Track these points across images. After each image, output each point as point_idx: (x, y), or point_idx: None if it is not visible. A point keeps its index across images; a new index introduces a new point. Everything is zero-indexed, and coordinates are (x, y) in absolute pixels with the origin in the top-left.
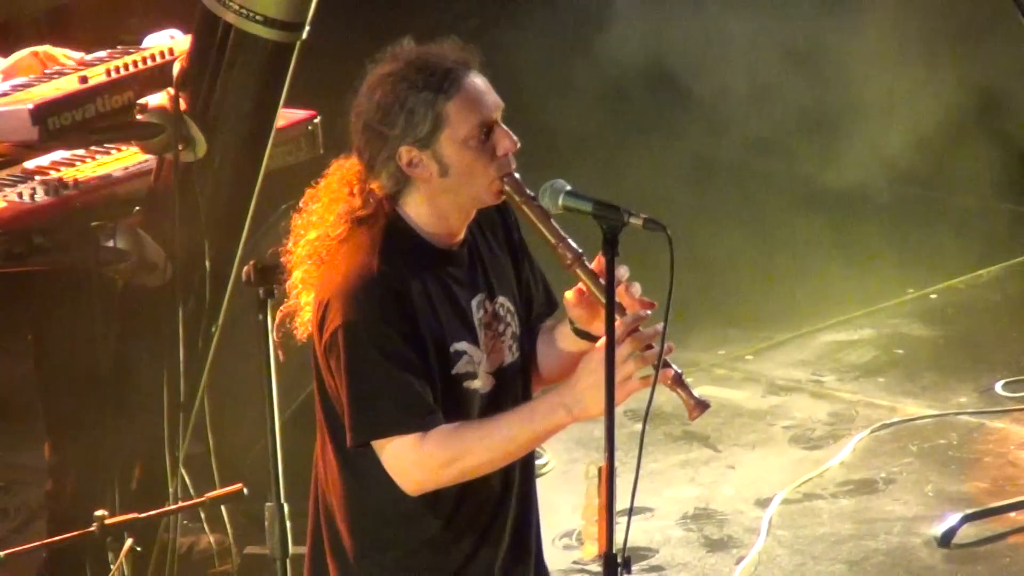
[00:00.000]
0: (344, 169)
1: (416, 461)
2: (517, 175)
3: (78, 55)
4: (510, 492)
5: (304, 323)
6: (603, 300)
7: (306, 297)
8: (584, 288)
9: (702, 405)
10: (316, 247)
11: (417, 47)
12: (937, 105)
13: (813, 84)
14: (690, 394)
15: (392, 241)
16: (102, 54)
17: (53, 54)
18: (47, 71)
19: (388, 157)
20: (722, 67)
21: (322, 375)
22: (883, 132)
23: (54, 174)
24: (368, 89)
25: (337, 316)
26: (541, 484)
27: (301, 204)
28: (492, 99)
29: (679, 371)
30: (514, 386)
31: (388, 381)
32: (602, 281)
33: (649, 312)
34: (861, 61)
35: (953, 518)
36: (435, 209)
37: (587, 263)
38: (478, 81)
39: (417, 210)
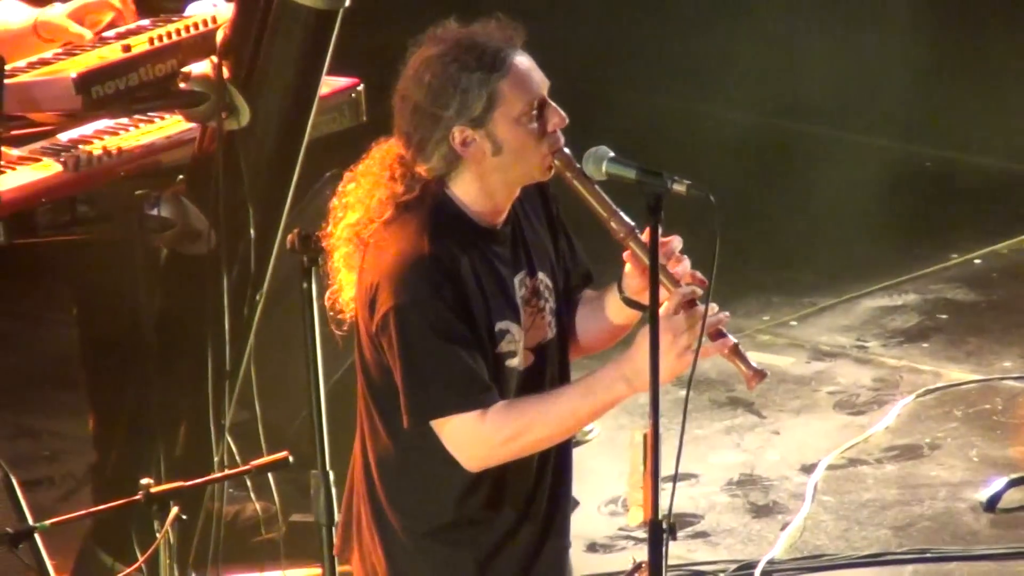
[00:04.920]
0: (383, 152)
1: (477, 438)
2: (567, 150)
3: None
4: (547, 465)
5: (347, 301)
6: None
7: (348, 277)
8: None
9: (760, 374)
10: (357, 230)
11: (460, 27)
12: (983, 70)
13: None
14: (748, 364)
15: (441, 222)
16: (145, 22)
17: None
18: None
19: (441, 138)
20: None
21: (365, 354)
22: (927, 97)
23: (98, 143)
24: (415, 71)
25: (388, 298)
26: (587, 451)
27: (340, 187)
28: (540, 76)
29: (736, 341)
30: (552, 362)
31: (445, 359)
32: None
33: (700, 291)
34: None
35: (998, 483)
36: (484, 188)
37: (639, 236)
38: (526, 60)
39: (466, 190)
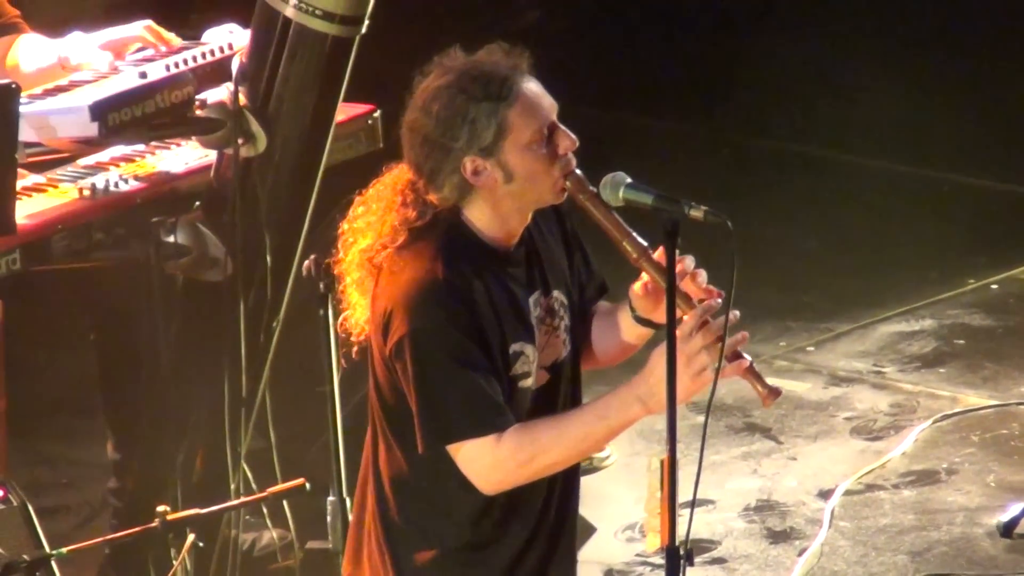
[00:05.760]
0: (395, 177)
1: (493, 462)
2: (579, 172)
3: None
4: (555, 486)
5: (359, 324)
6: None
7: (360, 301)
8: (650, 281)
9: (775, 392)
10: (370, 256)
11: (466, 56)
12: (1001, 94)
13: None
14: (763, 383)
15: (454, 247)
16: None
17: (160, 32)
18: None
19: (452, 169)
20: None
21: (379, 377)
22: (947, 119)
23: (114, 170)
24: (423, 103)
25: (403, 324)
26: (604, 477)
27: (349, 212)
28: (548, 101)
29: (751, 360)
30: (565, 380)
31: (459, 384)
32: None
33: (719, 301)
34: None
35: (1015, 508)
36: (497, 214)
37: (653, 257)
38: (533, 85)
39: (479, 216)
